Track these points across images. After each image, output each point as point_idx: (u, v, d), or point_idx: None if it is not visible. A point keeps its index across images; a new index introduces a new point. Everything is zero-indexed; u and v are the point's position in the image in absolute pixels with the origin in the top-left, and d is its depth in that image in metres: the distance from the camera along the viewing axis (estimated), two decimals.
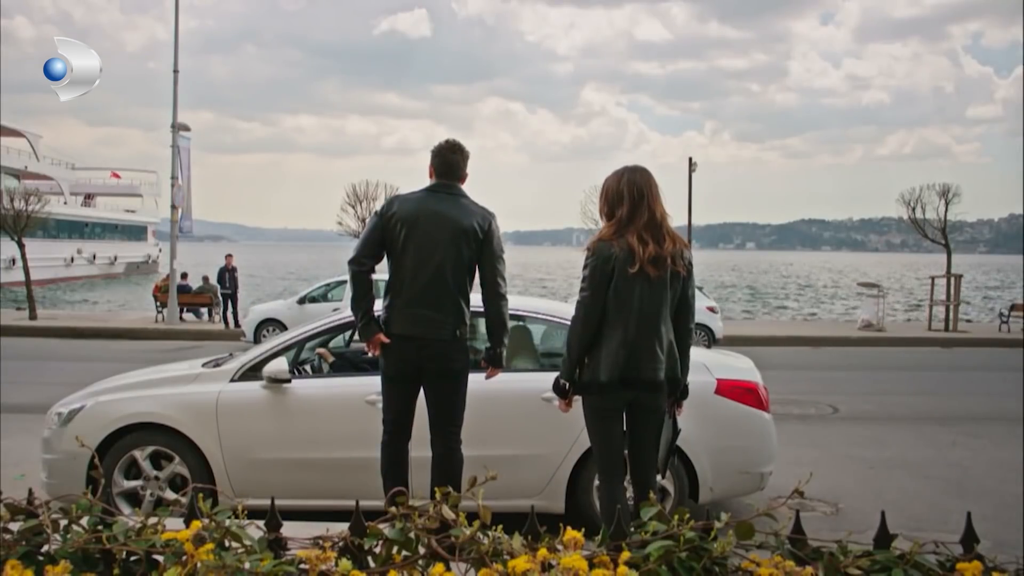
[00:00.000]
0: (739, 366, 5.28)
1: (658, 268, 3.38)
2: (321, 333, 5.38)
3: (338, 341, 6.34)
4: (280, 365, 4.84)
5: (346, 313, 5.32)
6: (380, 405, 4.13)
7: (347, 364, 5.97)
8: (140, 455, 4.85)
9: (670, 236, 3.45)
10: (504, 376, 4.25)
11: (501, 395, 4.64)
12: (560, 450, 4.68)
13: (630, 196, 3.42)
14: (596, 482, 4.57)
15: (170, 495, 4.82)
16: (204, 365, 5.28)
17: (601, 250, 3.42)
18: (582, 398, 3.55)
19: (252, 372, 4.94)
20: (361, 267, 3.93)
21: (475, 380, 4.07)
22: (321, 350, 5.34)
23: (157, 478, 4.85)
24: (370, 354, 4.05)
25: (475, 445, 4.07)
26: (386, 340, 3.87)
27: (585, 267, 3.47)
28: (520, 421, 4.78)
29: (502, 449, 4.57)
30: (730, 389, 4.91)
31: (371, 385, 4.57)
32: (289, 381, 4.86)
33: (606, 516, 3.53)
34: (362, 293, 3.94)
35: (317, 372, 5.57)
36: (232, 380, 4.94)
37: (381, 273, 3.98)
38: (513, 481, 4.34)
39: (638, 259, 3.35)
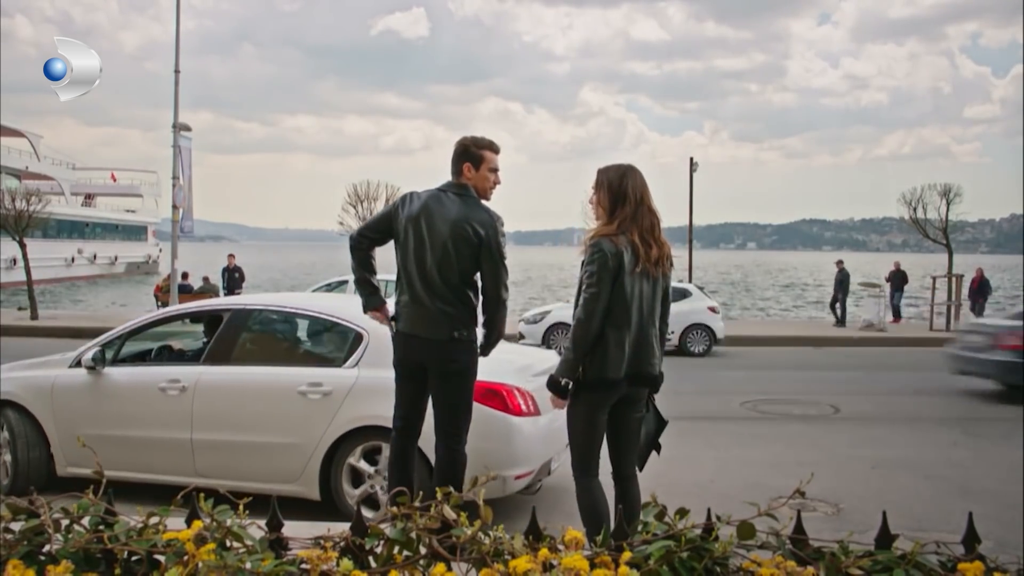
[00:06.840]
0: (507, 369, 4.98)
1: (657, 268, 3.56)
2: (141, 328, 5.88)
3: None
4: (89, 355, 5.51)
5: (171, 308, 5.80)
6: (171, 392, 5.16)
7: (176, 354, 6.28)
8: None
9: (661, 239, 3.61)
10: (265, 369, 5.19)
11: (261, 387, 5.17)
12: (312, 440, 4.97)
13: (633, 198, 3.53)
14: (355, 467, 4.88)
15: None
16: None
17: (607, 247, 3.41)
18: (574, 393, 3.51)
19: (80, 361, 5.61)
20: (356, 241, 4.01)
21: (241, 373, 5.10)
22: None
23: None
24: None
25: (234, 431, 4.98)
26: (379, 315, 3.99)
27: (591, 263, 3.42)
28: (277, 412, 5.09)
29: (260, 436, 5.04)
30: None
31: (165, 374, 5.36)
32: (94, 368, 5.47)
33: (585, 514, 3.50)
34: (357, 265, 4.01)
35: (152, 361, 5.97)
36: (69, 367, 5.64)
37: (389, 274, 3.98)
38: (269, 467, 5.00)
39: (642, 260, 3.47)
